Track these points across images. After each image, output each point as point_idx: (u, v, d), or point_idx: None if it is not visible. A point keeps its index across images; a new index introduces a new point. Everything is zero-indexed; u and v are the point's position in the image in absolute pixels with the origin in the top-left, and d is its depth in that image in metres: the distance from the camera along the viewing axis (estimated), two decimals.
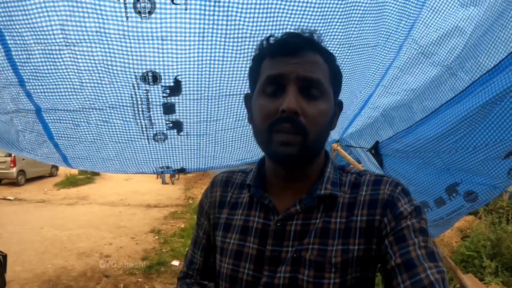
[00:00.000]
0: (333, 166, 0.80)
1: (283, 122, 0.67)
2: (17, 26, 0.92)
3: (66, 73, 1.04)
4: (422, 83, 1.51)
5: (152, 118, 1.20)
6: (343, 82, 1.36)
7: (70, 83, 1.07)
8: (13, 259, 5.06)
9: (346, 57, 1.23)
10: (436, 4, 1.22)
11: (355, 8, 1.07)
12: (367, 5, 1.08)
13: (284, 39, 0.73)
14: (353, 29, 1.13)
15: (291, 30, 1.00)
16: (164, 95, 1.13)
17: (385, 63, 1.40)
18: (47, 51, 0.98)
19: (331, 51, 1.18)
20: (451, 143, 1.50)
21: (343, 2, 1.03)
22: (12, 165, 11.91)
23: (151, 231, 7.00)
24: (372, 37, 1.22)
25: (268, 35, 0.76)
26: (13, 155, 11.19)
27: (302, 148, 0.69)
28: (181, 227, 7.21)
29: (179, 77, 1.09)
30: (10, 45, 0.96)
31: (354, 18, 1.09)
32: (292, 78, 0.69)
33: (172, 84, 1.10)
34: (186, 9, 0.92)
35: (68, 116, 1.17)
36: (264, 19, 1.00)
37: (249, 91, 0.83)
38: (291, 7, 0.99)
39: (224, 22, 0.98)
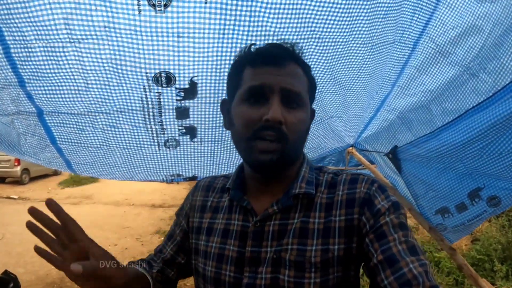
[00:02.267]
0: (308, 166, 0.84)
1: (267, 130, 0.71)
2: (17, 21, 0.84)
3: (70, 73, 0.97)
4: (440, 84, 1.46)
5: (164, 123, 1.13)
6: (363, 83, 1.32)
7: (75, 84, 0.99)
8: (15, 260, 5.04)
9: (369, 56, 1.18)
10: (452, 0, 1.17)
11: (380, 5, 1.02)
12: (391, 1, 1.03)
13: (268, 49, 0.76)
14: (376, 26, 1.08)
15: (301, 33, 1.00)
16: (178, 98, 1.06)
17: (400, 60, 1.36)
18: (49, 49, 0.90)
19: (356, 50, 1.17)
20: (477, 150, 1.47)
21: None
22: (16, 163, 11.92)
23: (157, 232, 6.94)
24: (391, 34, 1.17)
25: (251, 42, 0.80)
26: None
27: (281, 155, 0.72)
28: None
29: (195, 78, 1.01)
30: (9, 42, 0.89)
31: (379, 16, 1.05)
32: (276, 89, 0.72)
33: (187, 86, 1.03)
34: (206, 3, 0.84)
35: (72, 120, 1.11)
36: (289, 17, 0.94)
37: None
38: (317, 5, 0.93)
39: (247, 19, 0.91)
